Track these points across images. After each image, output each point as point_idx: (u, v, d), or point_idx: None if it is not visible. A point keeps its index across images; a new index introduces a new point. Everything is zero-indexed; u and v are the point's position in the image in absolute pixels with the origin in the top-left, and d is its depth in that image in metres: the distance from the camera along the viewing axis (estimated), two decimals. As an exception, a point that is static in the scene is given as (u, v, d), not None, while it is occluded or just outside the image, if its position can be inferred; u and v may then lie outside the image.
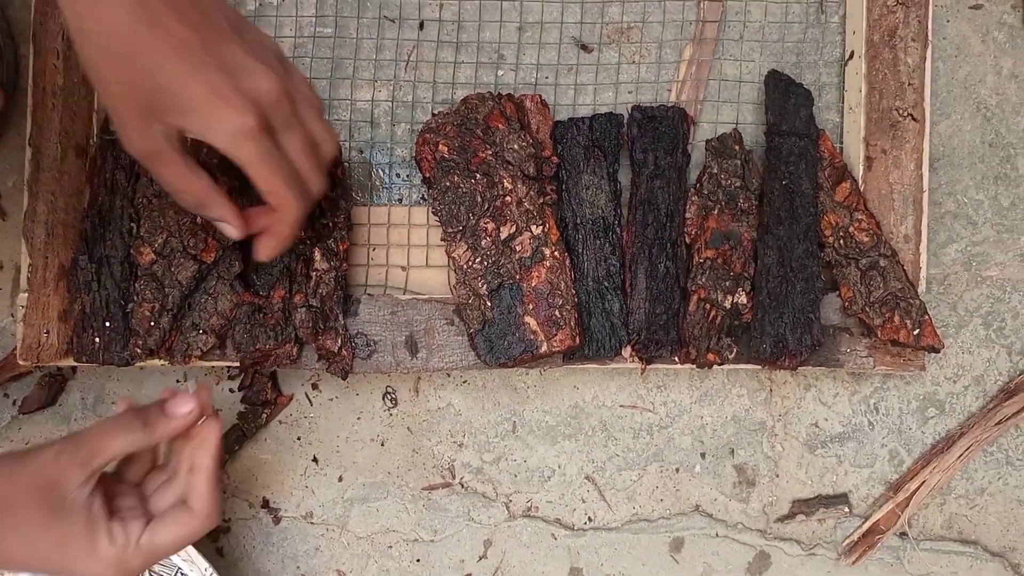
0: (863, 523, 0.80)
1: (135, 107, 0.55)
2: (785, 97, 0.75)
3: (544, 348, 0.71)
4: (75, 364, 0.72)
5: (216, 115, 0.55)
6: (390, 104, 0.79)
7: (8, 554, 0.57)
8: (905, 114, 0.75)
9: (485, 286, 0.71)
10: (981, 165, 0.82)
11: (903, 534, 0.81)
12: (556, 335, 0.71)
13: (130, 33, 0.52)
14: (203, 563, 0.71)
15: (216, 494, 0.62)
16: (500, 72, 0.80)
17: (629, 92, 0.80)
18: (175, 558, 0.71)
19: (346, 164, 0.76)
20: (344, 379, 0.72)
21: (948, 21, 0.82)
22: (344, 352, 0.72)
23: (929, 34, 0.75)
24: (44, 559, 0.57)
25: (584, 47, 0.80)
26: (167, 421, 0.61)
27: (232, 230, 0.63)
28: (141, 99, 0.55)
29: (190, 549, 0.71)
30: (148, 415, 0.61)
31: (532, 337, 0.71)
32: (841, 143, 0.79)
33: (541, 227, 0.72)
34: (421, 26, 0.80)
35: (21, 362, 0.71)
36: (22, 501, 0.56)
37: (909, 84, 0.75)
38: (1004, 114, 0.82)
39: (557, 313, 0.71)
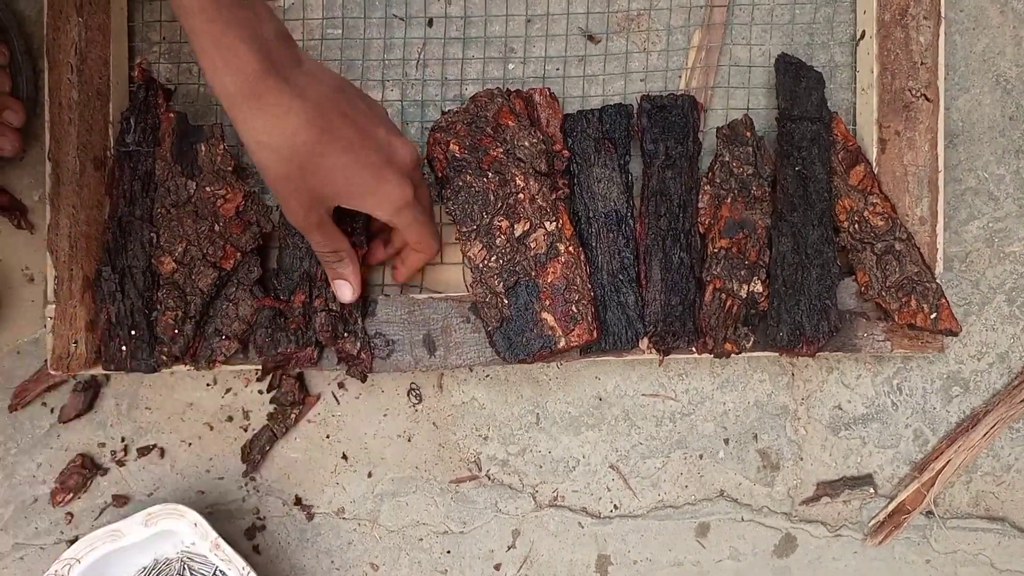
0: (889, 503, 0.80)
1: (308, 199, 0.64)
2: (796, 81, 0.75)
3: (562, 343, 0.71)
4: (104, 372, 0.74)
5: (384, 194, 0.66)
6: (401, 103, 0.80)
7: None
8: (918, 94, 0.74)
9: (501, 284, 0.72)
10: (1002, 139, 0.80)
11: (929, 513, 0.81)
12: (574, 330, 0.71)
13: (307, 142, 0.61)
14: (240, 562, 0.73)
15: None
16: (510, 66, 0.80)
17: (640, 81, 0.80)
18: (213, 557, 0.73)
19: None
20: (363, 381, 0.74)
21: (965, -8, 0.80)
22: (363, 355, 0.73)
23: (942, 11, 0.74)
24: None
25: (591, 38, 0.80)
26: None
27: (349, 292, 0.72)
28: (314, 193, 0.64)
29: (226, 547, 0.73)
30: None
31: (550, 333, 0.71)
32: (855, 125, 0.78)
33: (555, 223, 0.72)
34: (430, 23, 0.80)
35: (52, 372, 0.73)
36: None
37: (922, 63, 0.74)
38: (1024, 86, 0.80)
39: (574, 308, 0.71)
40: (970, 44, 0.80)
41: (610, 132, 0.75)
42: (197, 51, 0.58)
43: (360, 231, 0.73)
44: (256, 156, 0.61)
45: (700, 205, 0.75)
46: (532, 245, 0.72)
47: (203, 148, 0.74)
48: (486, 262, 0.72)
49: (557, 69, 0.80)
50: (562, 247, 0.72)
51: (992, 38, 0.80)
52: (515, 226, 0.72)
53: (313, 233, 0.67)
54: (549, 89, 0.75)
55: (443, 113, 0.74)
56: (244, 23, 0.58)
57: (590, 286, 0.72)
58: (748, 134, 0.75)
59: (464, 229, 0.72)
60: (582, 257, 0.73)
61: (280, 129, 0.60)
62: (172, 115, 0.75)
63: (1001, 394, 0.80)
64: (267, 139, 0.60)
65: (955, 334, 0.72)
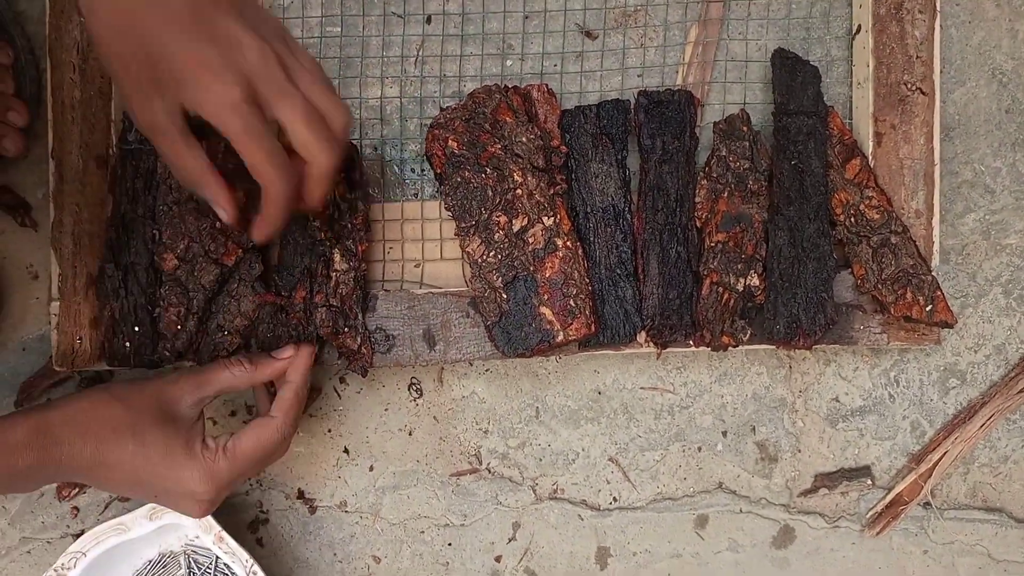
0: (886, 495, 0.81)
1: (136, 80, 0.57)
2: (792, 75, 0.75)
3: (560, 337, 0.72)
4: (109, 368, 0.75)
5: (204, 86, 0.56)
6: (400, 100, 0.80)
7: (123, 457, 0.63)
8: (914, 88, 0.74)
9: (500, 279, 0.72)
10: (998, 132, 0.81)
11: (927, 504, 0.81)
12: (572, 324, 0.72)
13: (130, 7, 0.55)
14: (244, 555, 0.74)
15: (297, 409, 0.70)
16: (508, 62, 0.80)
17: (637, 76, 0.80)
18: (217, 550, 0.74)
19: (365, 166, 0.77)
20: (364, 376, 0.74)
21: (961, -14, 0.80)
22: (364, 350, 0.74)
23: (937, 5, 0.74)
24: (151, 465, 0.64)
25: (588, 34, 0.80)
26: (270, 362, 0.71)
27: (224, 214, 0.63)
28: (141, 72, 0.57)
29: (229, 540, 0.74)
30: (255, 357, 0.71)
31: (548, 327, 0.72)
32: (851, 119, 0.78)
33: (553, 218, 0.73)
34: (428, 20, 0.80)
35: (57, 368, 0.74)
36: (145, 410, 0.65)
37: (917, 57, 0.74)
38: (1021, 79, 0.80)
39: (572, 302, 0.72)
40: (966, 37, 0.80)
41: (607, 128, 0.76)
42: None
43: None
44: (88, 24, 0.58)
45: (697, 199, 0.75)
46: (530, 240, 0.72)
47: (204, 146, 0.75)
48: (485, 257, 0.73)
49: (555, 65, 0.80)
50: (560, 242, 0.72)
51: (988, 31, 0.80)
52: (513, 221, 0.72)
53: (158, 139, 0.59)
54: (547, 85, 0.76)
55: (441, 110, 0.75)
56: None
57: (588, 280, 0.73)
58: (745, 129, 0.75)
59: (463, 225, 0.73)
60: (580, 252, 0.73)
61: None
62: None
63: (998, 386, 0.81)
64: (96, 3, 0.56)
65: (950, 326, 0.72)
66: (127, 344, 0.74)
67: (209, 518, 0.74)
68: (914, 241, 0.73)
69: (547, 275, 0.72)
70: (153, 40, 0.55)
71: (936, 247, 0.75)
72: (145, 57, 0.56)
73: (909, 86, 0.74)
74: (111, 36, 0.57)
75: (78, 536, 0.77)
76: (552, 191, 0.73)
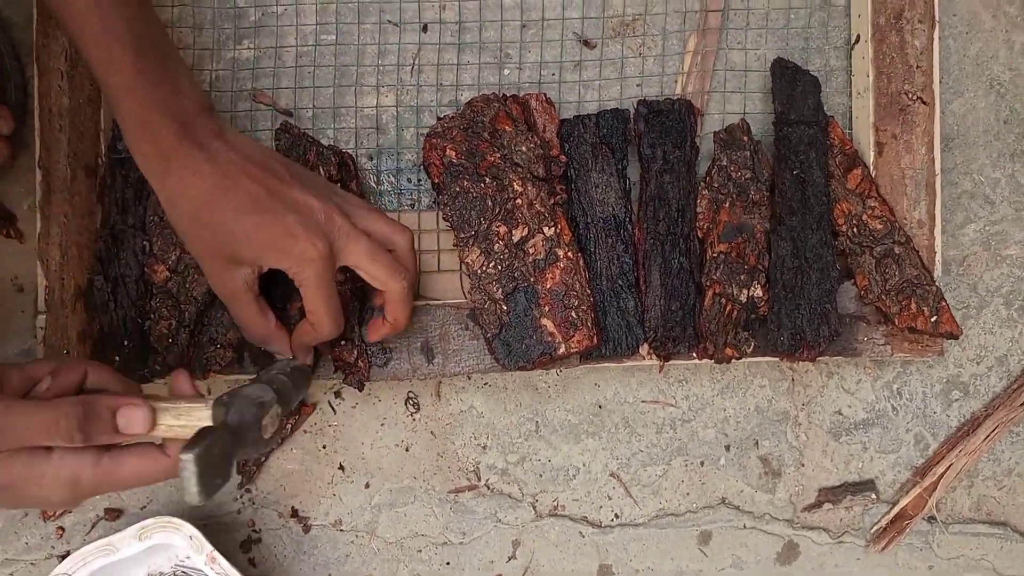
0: (891, 509, 0.80)
1: (219, 259, 0.64)
2: (792, 85, 0.75)
3: (562, 349, 0.71)
4: (98, 384, 0.73)
5: (288, 249, 0.63)
6: (396, 109, 0.79)
7: None
8: (914, 97, 0.74)
9: (500, 290, 0.71)
10: (997, 143, 0.80)
11: (931, 518, 0.80)
12: (574, 336, 0.70)
13: (210, 201, 0.62)
14: (235, 574, 0.72)
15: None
16: (506, 71, 0.79)
17: (636, 86, 0.80)
18: (209, 571, 0.72)
19: (361, 176, 0.76)
20: (360, 390, 0.73)
21: (958, -3, 0.81)
22: (360, 363, 0.72)
23: (936, 14, 0.74)
24: None
25: (587, 43, 0.79)
26: (111, 436, 0.57)
27: (283, 355, 0.70)
28: (223, 252, 0.64)
29: (222, 561, 0.72)
30: (92, 426, 0.56)
31: (550, 339, 0.71)
32: (851, 129, 0.78)
33: (553, 228, 0.71)
34: (424, 29, 0.79)
35: (44, 385, 0.72)
36: None
37: (917, 67, 0.74)
38: (1018, 90, 0.80)
39: (573, 314, 0.71)
40: (963, 48, 0.80)
41: (607, 137, 0.75)
42: (119, 122, 0.63)
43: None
44: (170, 218, 0.64)
45: (698, 210, 0.74)
46: (531, 251, 0.71)
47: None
48: (484, 268, 0.71)
49: (553, 74, 0.80)
50: (561, 252, 0.71)
51: (985, 42, 0.80)
52: (513, 232, 0.71)
53: (232, 304, 0.67)
54: (545, 94, 0.75)
55: (439, 119, 0.74)
56: (164, 100, 0.62)
57: (589, 291, 0.72)
58: (745, 138, 0.75)
59: (461, 235, 0.72)
60: (581, 262, 0.72)
61: (184, 189, 0.62)
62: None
63: (1001, 397, 0.80)
64: (175, 199, 0.63)
65: (955, 337, 0.71)
66: (117, 358, 0.72)
67: (201, 537, 0.72)
68: (917, 251, 0.73)
69: (548, 286, 0.71)
70: (234, 223, 0.62)
71: (938, 258, 0.74)
72: (225, 237, 0.63)
73: (910, 95, 0.74)
74: (192, 225, 0.63)
75: (63, 558, 0.75)
76: (552, 201, 0.72)
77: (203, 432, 0.55)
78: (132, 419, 0.57)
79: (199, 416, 0.58)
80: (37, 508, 0.60)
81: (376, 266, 0.66)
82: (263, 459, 0.79)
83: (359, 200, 0.69)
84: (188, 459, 0.53)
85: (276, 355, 0.70)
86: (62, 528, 0.79)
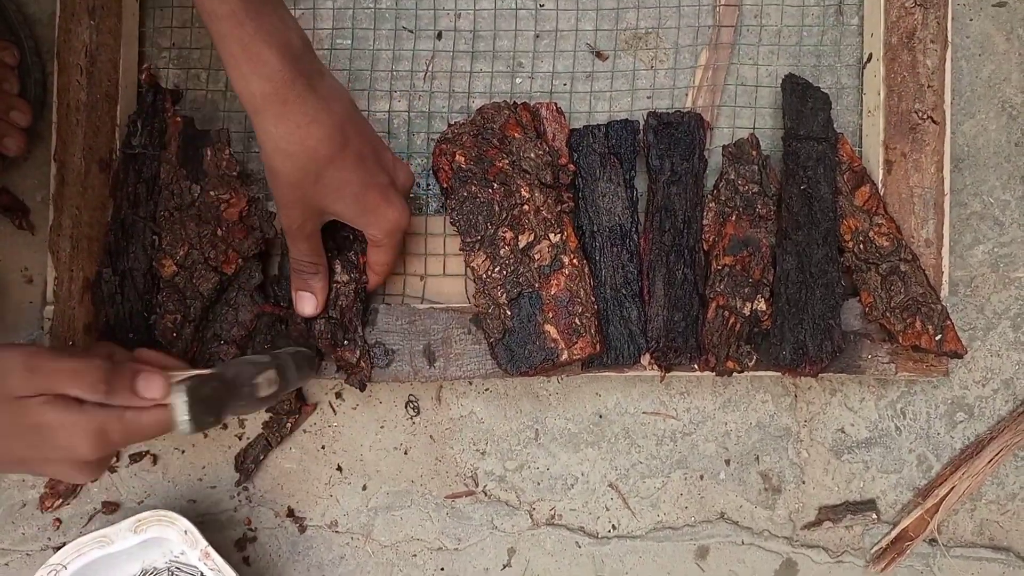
0: (892, 530, 0.79)
1: (311, 209, 0.65)
2: (802, 101, 0.75)
3: (565, 356, 0.70)
4: (101, 376, 0.73)
5: (383, 214, 0.67)
6: (407, 114, 0.80)
7: None
8: (925, 116, 0.74)
9: (504, 295, 0.71)
10: (1007, 165, 0.80)
11: (933, 541, 0.79)
12: (576, 343, 0.70)
13: (329, 154, 0.62)
14: (230, 572, 0.72)
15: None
16: (517, 80, 0.80)
17: (647, 98, 0.80)
18: (202, 567, 0.72)
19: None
20: (362, 390, 0.73)
21: (971, 20, 0.81)
22: (362, 363, 0.72)
23: (949, 35, 0.74)
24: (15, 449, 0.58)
25: (599, 54, 0.80)
26: (128, 396, 0.59)
27: (312, 305, 0.71)
28: (319, 203, 0.65)
29: (216, 557, 0.72)
30: (115, 381, 0.58)
31: (552, 345, 0.71)
32: (861, 146, 0.78)
33: (559, 235, 0.72)
34: (439, 36, 0.80)
35: (48, 375, 0.72)
36: None
37: (928, 86, 0.74)
38: (1030, 113, 0.80)
39: (577, 321, 0.71)
40: (976, 70, 0.80)
41: (616, 147, 0.75)
42: (224, 56, 0.59)
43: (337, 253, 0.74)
44: (273, 160, 0.62)
45: (705, 222, 0.74)
46: (536, 257, 0.71)
47: (209, 152, 0.74)
48: (490, 273, 0.72)
49: (564, 84, 0.80)
50: (566, 259, 0.71)
51: (998, 64, 0.80)
52: (519, 237, 0.71)
53: (301, 242, 0.68)
54: (556, 104, 0.75)
55: (449, 125, 0.74)
56: (273, 29, 0.58)
57: (594, 299, 0.72)
58: (754, 153, 0.75)
59: (468, 240, 0.72)
60: (586, 270, 0.72)
61: (302, 137, 0.60)
62: (179, 119, 0.75)
63: (1006, 421, 0.79)
64: (287, 146, 0.60)
65: (960, 356, 0.71)
66: (121, 351, 0.73)
67: (196, 532, 0.72)
68: (924, 270, 0.72)
69: (552, 292, 0.71)
70: (344, 181, 0.64)
71: (946, 278, 0.74)
72: (331, 191, 0.64)
73: (920, 114, 0.74)
74: (301, 175, 0.62)
75: (59, 549, 0.75)
76: (559, 208, 0.72)
77: (198, 374, 0.60)
78: (150, 383, 0.59)
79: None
80: (60, 466, 0.59)
81: (399, 251, 0.73)
82: (262, 457, 0.79)
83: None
84: (179, 388, 0.58)
85: (296, 298, 0.71)
86: (59, 519, 0.79)
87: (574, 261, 0.71)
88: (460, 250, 0.73)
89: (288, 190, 0.64)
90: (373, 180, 0.65)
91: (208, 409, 0.59)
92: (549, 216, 0.72)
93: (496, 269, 0.71)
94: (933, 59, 0.74)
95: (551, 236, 0.71)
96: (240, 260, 0.73)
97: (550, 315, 0.71)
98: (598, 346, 0.71)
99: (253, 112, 0.60)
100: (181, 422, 0.58)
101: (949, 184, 0.74)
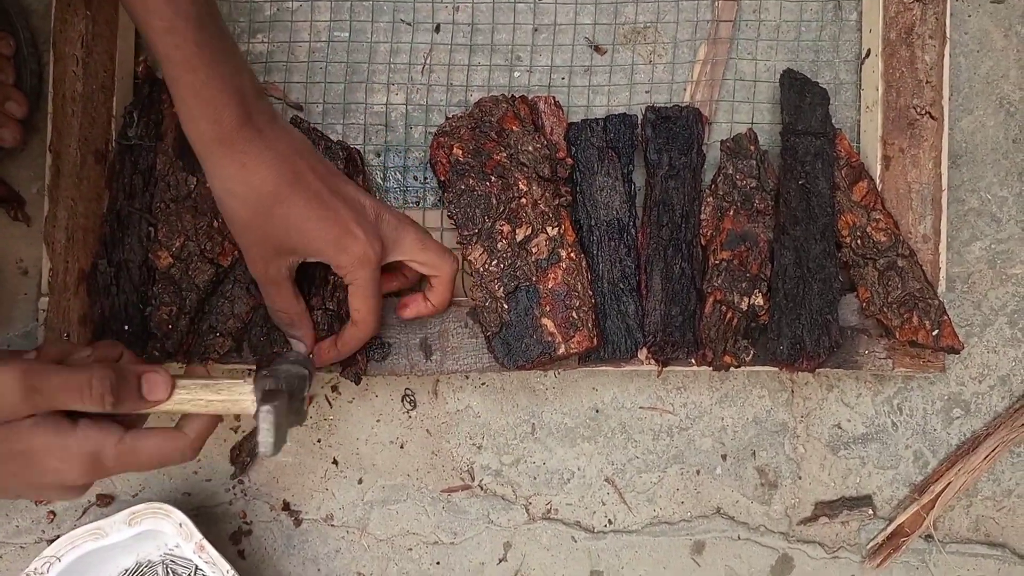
0: (888, 525, 0.79)
1: (270, 249, 0.64)
2: (801, 96, 0.75)
3: (562, 350, 0.70)
4: (96, 368, 0.73)
5: (347, 247, 0.64)
6: (405, 107, 0.80)
7: None
8: (923, 112, 0.74)
9: (502, 288, 0.71)
10: (1005, 161, 0.80)
11: (928, 536, 0.79)
12: (574, 336, 0.70)
13: (275, 193, 0.61)
14: (225, 565, 0.72)
15: (208, 433, 0.62)
16: (516, 74, 0.80)
17: (645, 92, 0.80)
18: (197, 559, 0.72)
19: (367, 171, 0.77)
20: (357, 383, 0.73)
21: (969, 16, 0.81)
22: (358, 357, 0.72)
23: (947, 31, 0.74)
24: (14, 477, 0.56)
25: (597, 48, 0.80)
26: (136, 402, 0.58)
27: (303, 348, 0.69)
28: (277, 242, 0.63)
29: (210, 549, 0.71)
30: (123, 391, 0.57)
31: (550, 339, 0.71)
32: (859, 142, 0.78)
33: (557, 228, 0.71)
34: (437, 29, 0.80)
35: (43, 366, 0.72)
36: None
37: (927, 82, 0.74)
38: (1028, 110, 0.80)
39: (574, 314, 0.70)
40: (974, 66, 0.80)
41: (614, 141, 0.75)
42: (176, 99, 0.60)
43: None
44: (223, 203, 0.63)
45: (703, 216, 0.74)
46: (534, 250, 0.71)
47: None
48: (487, 266, 0.71)
49: (562, 79, 0.80)
50: (564, 253, 0.71)
51: (996, 61, 0.80)
52: (517, 231, 0.71)
53: (269, 289, 0.67)
54: (554, 97, 0.75)
55: (447, 118, 0.74)
56: (225, 76, 0.60)
57: (591, 293, 0.72)
58: (752, 148, 0.75)
59: (465, 233, 0.72)
60: (583, 263, 0.72)
61: (248, 177, 0.61)
62: (175, 111, 0.75)
63: (1002, 417, 0.79)
64: (234, 186, 0.61)
65: (957, 351, 0.71)
66: (116, 343, 0.72)
67: (191, 525, 0.71)
68: (921, 265, 0.72)
69: (550, 286, 0.71)
70: (297, 217, 0.62)
71: (943, 273, 0.74)
72: (285, 229, 0.63)
73: (918, 110, 0.74)
74: (251, 213, 0.62)
75: (53, 542, 0.74)
76: (557, 202, 0.72)
77: (270, 393, 0.59)
78: (154, 384, 0.59)
79: (240, 391, 0.60)
80: (46, 491, 0.57)
81: (427, 253, 0.68)
82: (257, 450, 0.78)
83: (389, 206, 0.70)
84: (267, 410, 0.58)
85: (290, 341, 0.70)
86: (53, 512, 0.79)
87: (571, 255, 0.71)
88: (457, 243, 0.73)
89: (243, 232, 0.64)
90: (329, 214, 0.63)
91: (283, 428, 0.59)
92: (547, 209, 0.71)
93: (493, 263, 0.71)
94: (931, 55, 0.74)
95: (548, 230, 0.71)
96: (236, 252, 0.73)
97: (547, 309, 0.71)
98: (595, 340, 0.71)
99: (201, 155, 0.61)
100: (266, 444, 0.58)
101: (947, 180, 0.74)
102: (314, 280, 0.72)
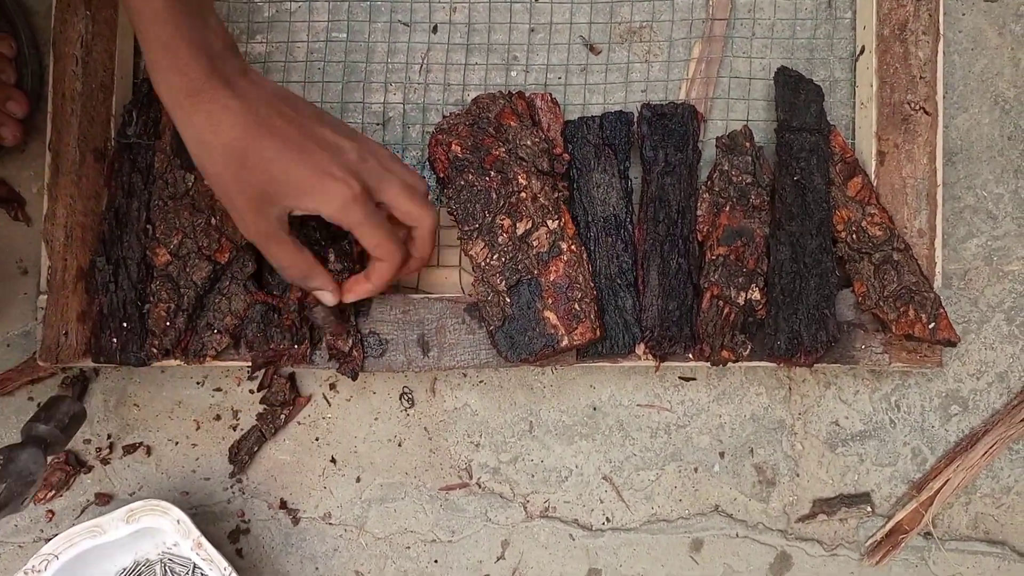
0: (886, 523, 0.79)
1: (252, 199, 0.63)
2: (795, 93, 0.75)
3: (565, 342, 0.70)
4: (94, 365, 0.73)
5: (326, 190, 0.63)
6: (402, 106, 0.80)
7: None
8: (917, 108, 0.74)
9: (503, 282, 0.71)
10: (1000, 159, 0.81)
11: (927, 534, 0.79)
12: (577, 328, 0.70)
13: (244, 137, 0.61)
14: (223, 562, 0.71)
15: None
16: (512, 73, 0.80)
17: (641, 91, 0.80)
18: (195, 557, 0.71)
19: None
20: (354, 379, 0.73)
21: (964, 14, 0.81)
22: (355, 353, 0.72)
23: (941, 27, 0.74)
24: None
25: (592, 48, 0.80)
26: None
27: (330, 296, 0.69)
28: (257, 191, 0.62)
29: (208, 547, 0.71)
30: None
31: (553, 331, 0.71)
32: (854, 139, 0.78)
33: (557, 222, 0.72)
34: (434, 29, 0.80)
35: (41, 363, 0.72)
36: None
37: (921, 78, 0.74)
38: (1023, 107, 0.81)
39: (577, 306, 0.71)
40: (969, 64, 0.81)
41: (610, 138, 0.75)
42: (145, 54, 0.61)
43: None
44: (197, 158, 0.63)
45: (699, 212, 0.75)
46: (534, 243, 0.71)
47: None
48: (488, 261, 0.72)
49: (559, 78, 0.80)
50: (564, 245, 0.71)
51: (991, 59, 0.81)
52: (517, 224, 0.71)
53: (268, 245, 0.66)
54: (551, 95, 0.76)
55: (445, 116, 0.74)
56: (194, 30, 0.60)
57: (592, 285, 0.72)
58: (747, 144, 0.75)
59: (466, 228, 0.72)
60: (584, 256, 0.72)
61: (216, 127, 0.61)
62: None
63: (1000, 413, 0.79)
64: (204, 136, 0.61)
65: (953, 344, 0.71)
66: (114, 340, 0.73)
67: (189, 522, 0.71)
68: (916, 259, 0.72)
69: (551, 279, 0.71)
70: (270, 161, 0.62)
71: (939, 269, 0.74)
72: (259, 176, 0.62)
73: (913, 105, 0.74)
74: (224, 164, 0.62)
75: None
76: (556, 195, 0.72)
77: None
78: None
79: None
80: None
81: (411, 202, 0.67)
82: (256, 448, 0.79)
83: (375, 142, 0.69)
84: None
85: (316, 293, 0.70)
86: (52, 511, 0.79)
87: (572, 247, 0.71)
88: (458, 239, 0.73)
89: (220, 184, 0.63)
90: (303, 158, 0.63)
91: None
92: (547, 203, 0.72)
93: (494, 257, 0.71)
94: (925, 51, 0.75)
95: (549, 223, 0.71)
96: (233, 249, 0.73)
97: (549, 301, 0.71)
98: (598, 331, 0.71)
99: (171, 108, 0.61)
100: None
101: (942, 175, 0.74)
102: (328, 232, 0.73)
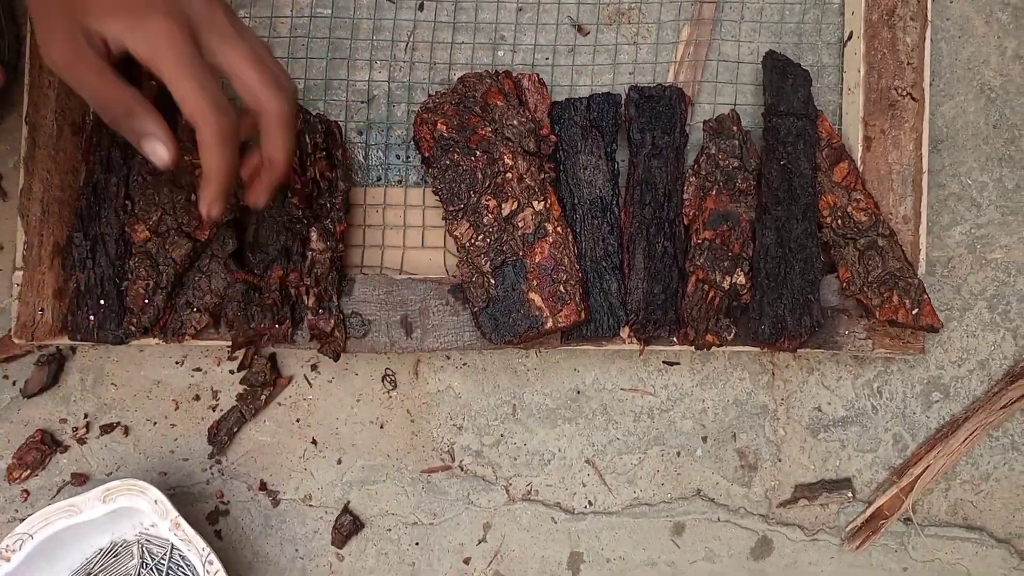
0: (867, 508, 0.79)
1: (59, 8, 0.54)
2: (783, 78, 0.75)
3: (550, 324, 0.70)
4: (70, 343, 0.72)
5: (139, 15, 0.53)
6: (388, 85, 0.79)
7: None
8: (904, 93, 0.74)
9: (488, 263, 0.71)
10: (985, 147, 0.81)
11: (907, 519, 0.79)
12: (561, 310, 0.70)
13: None
14: (200, 542, 0.70)
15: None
16: (499, 53, 0.80)
17: (629, 73, 0.80)
18: (173, 537, 0.70)
19: (348, 148, 0.76)
20: (336, 360, 0.72)
21: (951, 2, 0.81)
22: (337, 333, 0.71)
23: (929, 13, 0.74)
24: None
25: (580, 28, 0.80)
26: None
27: (163, 150, 0.57)
28: (65, 6, 0.54)
29: (186, 527, 0.70)
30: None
31: (537, 313, 0.70)
32: (840, 124, 0.78)
33: (543, 203, 0.71)
34: (420, 7, 0.79)
35: (16, 340, 0.71)
36: None
37: (908, 63, 0.74)
38: (1008, 95, 0.81)
39: (562, 288, 0.70)
40: (955, 52, 0.81)
41: (598, 120, 0.75)
42: None
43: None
44: None
45: (685, 196, 0.74)
46: (520, 224, 0.71)
47: (183, 118, 0.73)
48: (473, 241, 0.71)
49: (546, 58, 0.80)
50: (550, 227, 0.71)
51: (977, 47, 0.81)
52: (503, 205, 0.71)
53: (79, 70, 0.55)
54: (538, 75, 0.75)
55: (430, 95, 0.73)
56: None
57: (578, 267, 0.71)
58: (735, 128, 0.75)
59: (451, 208, 0.71)
60: (570, 237, 0.72)
61: None
62: (154, 84, 0.74)
63: (981, 401, 0.80)
64: None
65: (936, 330, 0.71)
66: (91, 317, 0.71)
67: (166, 502, 0.70)
68: (901, 245, 0.73)
69: (537, 260, 0.70)
70: None
71: (923, 254, 0.74)
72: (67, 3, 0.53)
73: (900, 91, 0.74)
74: None
75: (26, 519, 0.73)
76: (542, 176, 0.72)
77: None
78: None
79: None
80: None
81: (255, 73, 0.56)
82: (236, 429, 0.78)
83: (252, 31, 0.59)
84: None
85: (148, 146, 0.58)
86: (27, 491, 0.77)
87: (558, 229, 0.71)
88: (443, 219, 0.72)
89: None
90: None
91: None
92: (532, 184, 0.71)
93: (479, 237, 0.71)
94: (913, 37, 0.75)
95: (535, 204, 0.71)
96: (214, 227, 0.72)
97: (534, 283, 0.70)
98: (583, 313, 0.70)
99: None
100: None
101: (927, 162, 0.74)
102: (291, 254, 0.72)
